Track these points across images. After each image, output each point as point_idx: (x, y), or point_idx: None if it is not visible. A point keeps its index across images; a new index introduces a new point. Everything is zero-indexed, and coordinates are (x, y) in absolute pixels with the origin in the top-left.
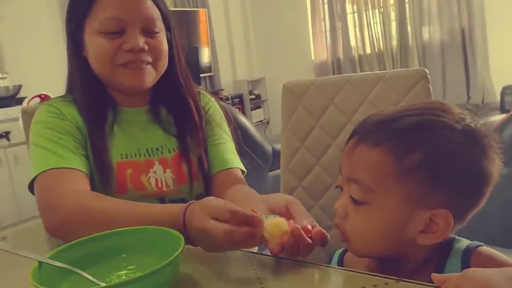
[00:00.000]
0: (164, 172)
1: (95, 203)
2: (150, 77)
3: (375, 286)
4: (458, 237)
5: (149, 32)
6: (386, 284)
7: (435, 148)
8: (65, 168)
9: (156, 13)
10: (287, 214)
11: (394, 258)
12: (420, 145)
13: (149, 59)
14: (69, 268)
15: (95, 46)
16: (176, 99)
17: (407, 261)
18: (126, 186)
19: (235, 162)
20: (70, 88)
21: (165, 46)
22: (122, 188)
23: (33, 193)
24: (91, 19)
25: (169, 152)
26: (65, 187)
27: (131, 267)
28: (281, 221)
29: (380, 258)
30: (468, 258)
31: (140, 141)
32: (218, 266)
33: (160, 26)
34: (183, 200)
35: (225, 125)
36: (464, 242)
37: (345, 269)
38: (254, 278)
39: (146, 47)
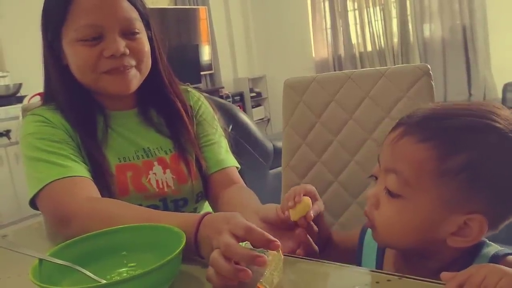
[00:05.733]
0: (164, 172)
1: (112, 209)
2: (135, 80)
3: (377, 282)
4: (488, 242)
5: (129, 33)
6: (389, 280)
7: (482, 153)
8: (70, 177)
9: (134, 13)
10: (278, 221)
11: (418, 253)
12: (468, 148)
13: (133, 62)
14: (69, 265)
15: (75, 55)
16: (162, 99)
17: (432, 259)
18: (127, 188)
19: (230, 161)
20: (49, 97)
21: (147, 46)
22: (123, 191)
23: (34, 208)
24: (67, 28)
25: (166, 153)
26: (76, 196)
27: (132, 264)
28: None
29: (403, 251)
30: None
31: (136, 143)
32: None
33: (139, 26)
34: (185, 200)
35: (216, 123)
36: (492, 248)
37: (346, 265)
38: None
39: (128, 51)
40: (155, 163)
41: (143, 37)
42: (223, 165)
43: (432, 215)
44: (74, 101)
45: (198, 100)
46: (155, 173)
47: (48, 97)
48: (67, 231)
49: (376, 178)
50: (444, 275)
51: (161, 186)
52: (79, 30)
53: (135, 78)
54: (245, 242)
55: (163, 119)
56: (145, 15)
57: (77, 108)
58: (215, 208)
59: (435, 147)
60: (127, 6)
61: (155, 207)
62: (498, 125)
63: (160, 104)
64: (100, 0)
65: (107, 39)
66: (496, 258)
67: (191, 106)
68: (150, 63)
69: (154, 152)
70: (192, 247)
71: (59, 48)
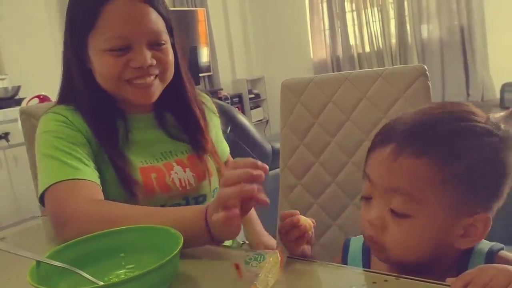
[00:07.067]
0: (184, 171)
1: (112, 210)
2: (158, 91)
3: (374, 283)
4: None
5: (155, 44)
6: (386, 280)
7: (478, 156)
8: (79, 179)
9: (161, 25)
10: None
11: (428, 262)
12: (464, 153)
13: (157, 72)
14: (67, 267)
15: (101, 64)
16: (181, 103)
17: (438, 265)
18: (154, 190)
19: (226, 150)
20: (65, 97)
21: (171, 56)
22: (150, 192)
23: (44, 205)
24: (95, 36)
25: (182, 153)
26: (80, 198)
27: (130, 266)
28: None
29: (415, 264)
30: (492, 263)
31: (154, 146)
32: (217, 264)
33: (166, 37)
34: (204, 196)
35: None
36: (484, 244)
37: (343, 266)
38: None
39: (154, 61)
40: (174, 164)
41: (168, 46)
42: (224, 157)
43: (443, 224)
44: (95, 103)
45: (213, 107)
46: (176, 173)
47: (64, 97)
48: (65, 233)
49: (366, 199)
50: (450, 279)
51: (183, 184)
52: (108, 40)
53: (158, 89)
54: (255, 256)
55: (179, 123)
56: (169, 22)
57: (97, 111)
58: None
59: (434, 158)
60: (155, 17)
61: (178, 205)
62: (482, 125)
63: (177, 108)
64: (130, 11)
65: (135, 51)
66: (491, 254)
67: (213, 112)
68: (173, 71)
69: (171, 155)
70: (205, 234)
71: (84, 52)
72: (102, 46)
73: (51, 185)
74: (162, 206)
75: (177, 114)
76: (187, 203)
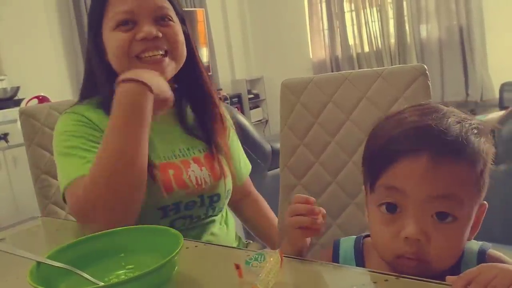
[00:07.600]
0: (201, 170)
1: (96, 160)
2: (170, 68)
3: (375, 282)
4: None
5: (161, 19)
6: (386, 280)
7: (485, 149)
8: None
9: (166, 3)
10: None
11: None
12: (481, 149)
13: (165, 46)
14: (67, 268)
15: (111, 43)
16: (200, 97)
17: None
18: (171, 186)
19: (246, 171)
20: (88, 94)
21: (180, 36)
22: (168, 188)
23: (66, 202)
24: (106, 23)
25: (200, 152)
26: None
27: (130, 266)
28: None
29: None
30: (484, 261)
31: (172, 143)
32: (216, 264)
33: (172, 14)
34: (218, 196)
35: (233, 131)
36: (473, 243)
37: (344, 266)
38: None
39: (160, 34)
40: (191, 161)
41: (176, 25)
42: (243, 179)
43: (471, 222)
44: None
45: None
46: (193, 171)
47: (85, 94)
48: (89, 217)
49: (391, 213)
50: (450, 278)
51: (199, 182)
52: (113, 18)
53: (170, 66)
54: (255, 256)
55: (197, 115)
56: (180, 13)
57: None
58: (238, 212)
59: (468, 160)
60: None
61: (194, 203)
62: (481, 123)
63: (197, 102)
64: None
65: (140, 24)
66: (483, 253)
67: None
68: (185, 53)
69: (189, 152)
70: (145, 91)
71: (101, 43)
72: (110, 24)
73: (72, 181)
74: (178, 203)
75: (197, 109)
76: (202, 201)
